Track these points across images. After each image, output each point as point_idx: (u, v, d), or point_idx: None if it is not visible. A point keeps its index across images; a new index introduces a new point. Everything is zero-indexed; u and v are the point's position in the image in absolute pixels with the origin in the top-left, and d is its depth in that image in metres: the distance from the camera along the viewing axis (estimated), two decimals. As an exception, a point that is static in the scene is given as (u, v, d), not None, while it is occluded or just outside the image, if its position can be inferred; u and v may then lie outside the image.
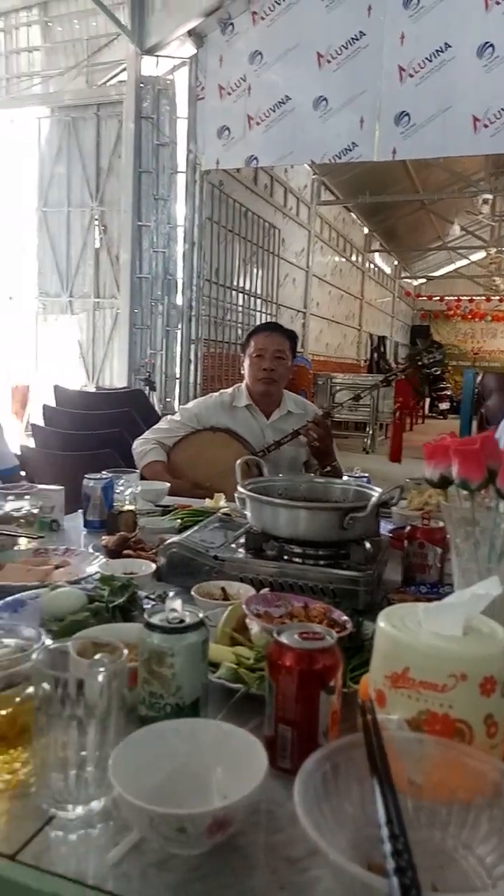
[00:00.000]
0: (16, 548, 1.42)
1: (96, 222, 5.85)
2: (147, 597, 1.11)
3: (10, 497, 1.54)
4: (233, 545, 1.28)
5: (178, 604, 0.77)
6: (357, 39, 4.50)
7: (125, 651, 0.69)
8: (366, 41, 4.50)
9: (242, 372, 2.50)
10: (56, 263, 6.07)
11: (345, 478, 1.77)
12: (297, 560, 1.21)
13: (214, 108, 5.06)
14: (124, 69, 5.44)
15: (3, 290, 6.48)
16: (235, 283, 6.41)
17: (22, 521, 1.55)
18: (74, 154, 5.86)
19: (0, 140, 6.20)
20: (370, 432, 8.96)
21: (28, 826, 0.63)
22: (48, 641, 0.76)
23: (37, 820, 0.64)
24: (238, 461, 1.48)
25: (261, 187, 7.06)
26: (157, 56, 5.30)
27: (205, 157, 5.19)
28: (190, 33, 5.03)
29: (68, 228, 5.99)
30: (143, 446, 2.44)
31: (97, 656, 0.72)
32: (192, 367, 5.62)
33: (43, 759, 0.65)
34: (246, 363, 2.45)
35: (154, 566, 1.27)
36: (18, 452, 2.98)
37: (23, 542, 1.45)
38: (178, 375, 5.65)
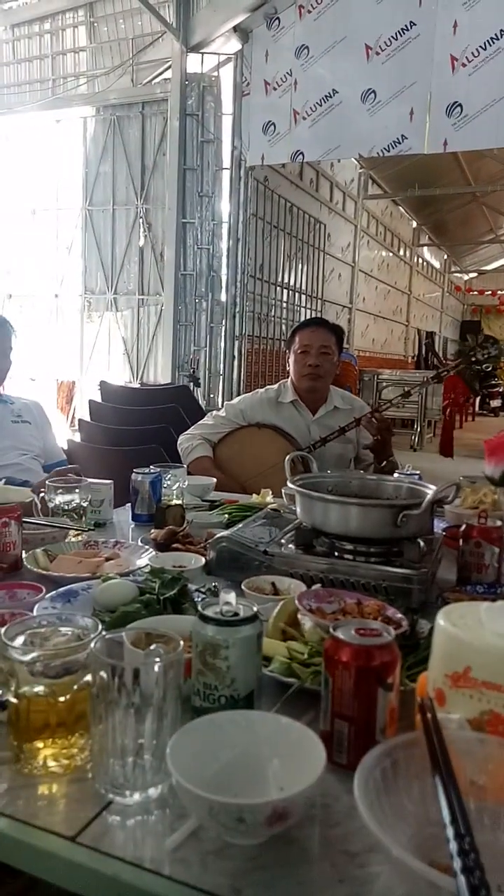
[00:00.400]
0: (67, 540, 1.44)
1: (141, 220, 5.91)
2: (197, 590, 1.12)
3: (61, 490, 1.57)
4: (282, 541, 1.27)
5: (232, 597, 0.77)
6: (407, 30, 4.42)
7: (181, 642, 0.69)
8: (416, 31, 4.42)
9: (288, 368, 2.50)
10: (101, 261, 6.15)
11: (395, 475, 1.75)
12: (348, 557, 1.20)
13: (260, 104, 5.05)
14: (169, 67, 5.48)
15: (49, 288, 6.62)
16: (280, 279, 6.39)
17: (72, 513, 1.58)
18: (119, 152, 5.93)
19: (47, 140, 6.33)
20: (418, 429, 8.83)
21: (87, 810, 0.64)
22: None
23: (95, 804, 0.65)
24: (287, 457, 1.47)
25: (306, 182, 7.03)
26: (202, 53, 5.32)
27: (250, 154, 5.19)
28: (235, 29, 5.03)
29: (113, 226, 6.07)
30: (189, 442, 2.45)
31: (152, 647, 0.72)
32: (235, 364, 5.63)
33: (101, 745, 0.66)
34: (291, 359, 2.45)
35: (203, 560, 1.28)
36: (65, 447, 3.04)
37: (73, 535, 1.48)
38: (221, 372, 5.67)
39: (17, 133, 6.47)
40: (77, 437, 3.83)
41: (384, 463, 2.25)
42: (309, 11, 4.75)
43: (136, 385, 5.65)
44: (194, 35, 5.22)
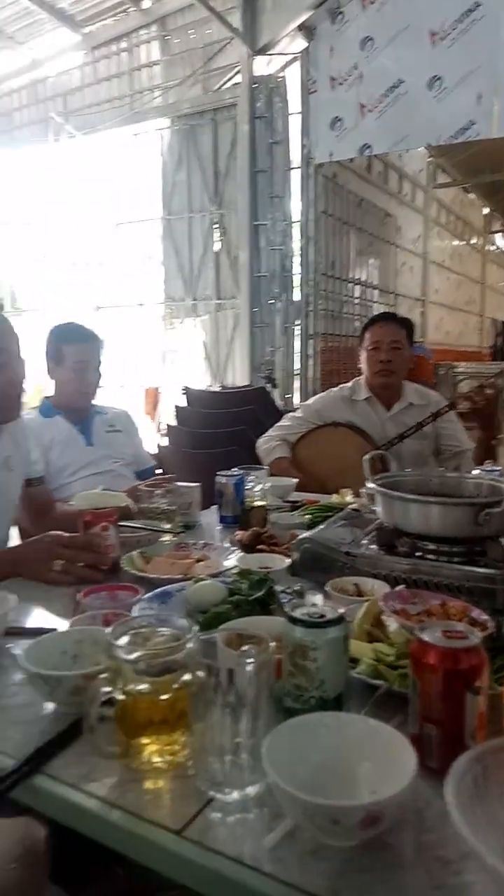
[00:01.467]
0: (160, 542, 1.51)
1: (216, 225, 6.01)
2: (283, 591, 1.14)
3: (153, 494, 1.64)
4: (363, 541, 1.28)
5: (318, 598, 0.79)
6: (472, 11, 4.27)
7: (272, 643, 0.72)
8: (481, 13, 4.26)
9: (360, 365, 2.49)
10: (180, 268, 6.31)
11: (475, 472, 1.71)
12: (430, 557, 1.19)
13: (326, 100, 5.02)
14: (238, 72, 5.54)
15: (132, 297, 6.85)
16: (351, 275, 6.33)
17: (163, 516, 1.65)
18: (193, 160, 6.05)
19: (126, 154, 6.55)
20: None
21: (190, 805, 0.68)
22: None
23: (197, 801, 0.68)
24: (365, 457, 1.48)
25: (374, 175, 6.91)
26: (269, 55, 5.35)
27: (318, 151, 5.17)
28: (300, 27, 5.03)
29: (190, 233, 6.20)
30: (269, 443, 2.49)
31: (244, 647, 0.76)
32: (310, 363, 5.63)
33: (201, 743, 0.70)
34: (363, 356, 2.44)
35: (288, 561, 1.30)
36: (154, 452, 3.15)
37: (165, 538, 1.55)
38: (297, 372, 5.68)
39: (99, 150, 6.74)
40: (164, 442, 3.96)
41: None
42: (372, 2, 4.68)
43: (217, 388, 5.76)
44: (261, 37, 5.26)
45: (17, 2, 5.97)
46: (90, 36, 6.53)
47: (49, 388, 2.28)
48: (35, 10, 6.10)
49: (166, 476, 1.96)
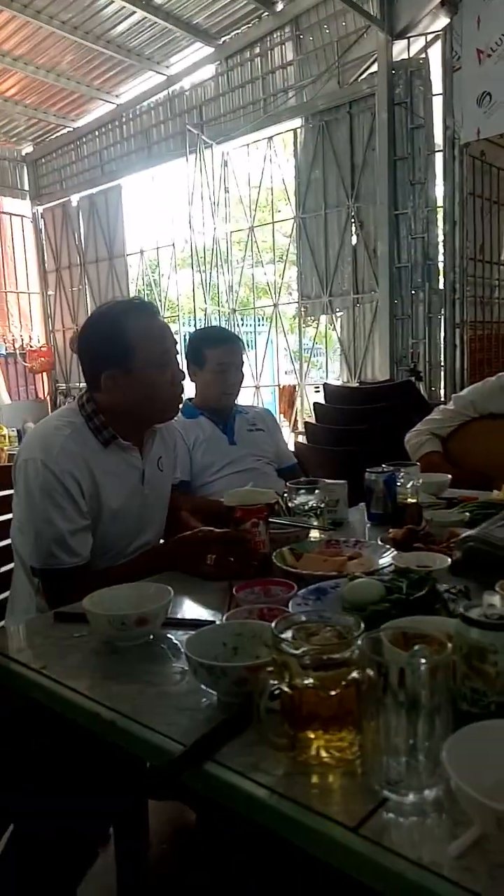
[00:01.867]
0: (309, 539, 1.50)
1: (353, 220, 5.93)
2: (447, 590, 1.09)
3: (300, 491, 1.64)
4: (536, 540, 1.19)
5: (496, 599, 0.74)
6: None
7: (449, 644, 0.68)
8: None
9: None
10: (315, 266, 6.29)
11: None
12: None
13: (472, 76, 4.76)
14: (374, 61, 5.42)
15: (268, 298, 6.95)
16: (503, 258, 5.95)
17: (311, 513, 1.64)
18: (329, 156, 6.00)
19: (261, 157, 6.66)
20: None
21: (363, 803, 0.66)
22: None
23: (370, 799, 0.66)
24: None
25: (528, 148, 6.43)
26: (409, 37, 5.18)
27: (464, 130, 4.91)
28: (442, 3, 4.81)
29: (325, 230, 6.16)
30: (418, 438, 2.40)
31: (416, 647, 0.72)
32: (457, 353, 5.37)
33: (373, 741, 0.67)
34: None
35: (449, 560, 1.24)
36: (292, 449, 3.17)
37: (315, 534, 1.54)
38: (443, 363, 5.45)
39: (234, 155, 6.92)
40: (302, 440, 3.97)
41: None
42: (525, -38, 4.36)
43: (355, 384, 5.68)
44: (399, 21, 5.11)
45: (155, 24, 6.27)
46: (224, 46, 6.69)
47: (190, 390, 2.36)
48: (171, 28, 6.36)
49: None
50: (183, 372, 1.52)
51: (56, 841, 1.08)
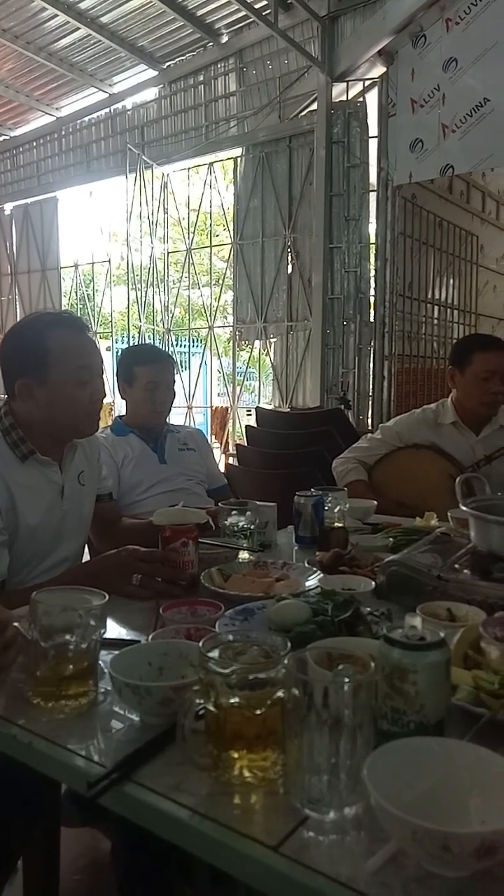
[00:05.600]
0: (238, 560, 1.51)
1: (289, 249, 6.08)
2: (371, 613, 1.12)
3: (231, 512, 1.64)
4: (456, 565, 1.24)
5: (417, 621, 0.77)
6: None
7: (372, 664, 0.70)
8: None
9: (451, 386, 2.38)
10: (251, 291, 6.39)
11: None
12: (528, 584, 1.14)
13: (406, 123, 5.01)
14: (315, 99, 5.62)
15: (202, 321, 7.00)
16: (430, 296, 6.23)
17: (240, 534, 1.65)
18: (268, 186, 6.15)
19: (200, 182, 6.76)
20: None
21: (284, 822, 0.66)
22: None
23: (291, 818, 0.67)
24: (458, 479, 1.43)
25: (456, 195, 6.81)
26: (347, 81, 5.41)
27: (397, 173, 5.16)
28: (380, 53, 5.06)
29: (262, 257, 6.29)
30: (345, 465, 2.46)
31: (340, 667, 0.74)
32: (385, 384, 5.56)
33: (296, 760, 0.68)
34: (462, 381, 2.30)
35: (373, 583, 1.27)
36: (223, 470, 3.18)
37: (243, 555, 1.54)
38: (371, 393, 5.62)
39: (175, 178, 6.98)
40: (233, 461, 3.99)
41: None
42: (457, 23, 4.66)
43: (287, 409, 5.77)
44: (339, 65, 5.32)
45: (100, 42, 6.31)
46: (168, 70, 6.79)
47: (120, 407, 2.33)
48: (116, 48, 6.41)
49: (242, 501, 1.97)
50: (104, 391, 1.51)
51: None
